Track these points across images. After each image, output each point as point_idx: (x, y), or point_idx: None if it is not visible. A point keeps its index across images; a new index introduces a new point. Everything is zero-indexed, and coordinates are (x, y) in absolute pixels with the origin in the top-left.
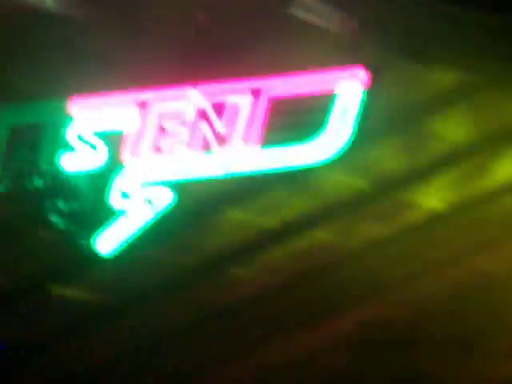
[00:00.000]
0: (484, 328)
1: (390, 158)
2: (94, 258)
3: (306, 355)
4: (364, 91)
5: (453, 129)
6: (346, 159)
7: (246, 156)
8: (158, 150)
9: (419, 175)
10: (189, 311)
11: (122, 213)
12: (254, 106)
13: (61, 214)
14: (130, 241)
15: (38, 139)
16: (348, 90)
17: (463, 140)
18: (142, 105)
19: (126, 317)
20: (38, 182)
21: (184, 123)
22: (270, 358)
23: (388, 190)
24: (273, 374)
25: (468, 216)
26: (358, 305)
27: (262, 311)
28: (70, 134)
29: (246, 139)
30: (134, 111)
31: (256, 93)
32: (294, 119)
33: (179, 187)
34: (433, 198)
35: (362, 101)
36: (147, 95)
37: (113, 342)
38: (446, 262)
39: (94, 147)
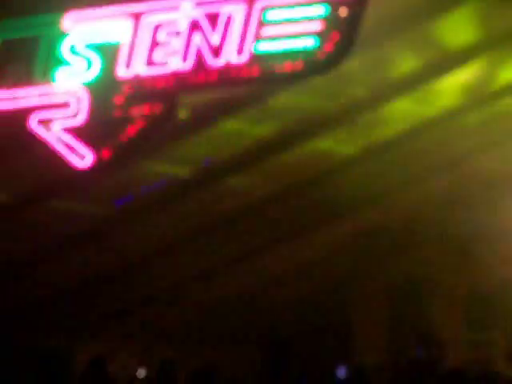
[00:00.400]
0: (481, 232)
1: (391, 63)
2: (90, 171)
3: (305, 263)
4: None
5: (456, 31)
6: (343, 67)
7: (239, 66)
8: (151, 61)
9: (418, 81)
10: (186, 222)
11: None
12: (248, 15)
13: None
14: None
15: (33, 53)
16: None
17: (467, 42)
18: (136, 17)
19: (125, 228)
20: None
21: (177, 35)
22: (269, 267)
23: (387, 96)
24: (273, 281)
25: (467, 120)
26: (354, 212)
27: (259, 221)
28: (65, 48)
29: (240, 49)
30: (128, 23)
31: (250, 1)
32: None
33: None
34: (429, 105)
35: (361, 5)
36: (140, 7)
37: (117, 251)
38: (443, 167)
39: (88, 60)
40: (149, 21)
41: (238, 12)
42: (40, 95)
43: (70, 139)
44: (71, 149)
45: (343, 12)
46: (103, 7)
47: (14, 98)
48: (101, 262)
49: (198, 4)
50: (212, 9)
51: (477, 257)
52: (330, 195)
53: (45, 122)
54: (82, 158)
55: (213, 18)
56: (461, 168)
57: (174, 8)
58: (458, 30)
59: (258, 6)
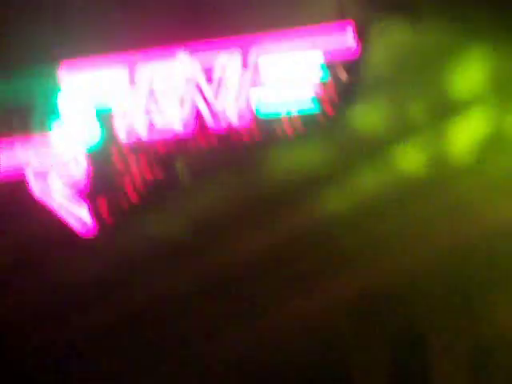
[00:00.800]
0: (483, 283)
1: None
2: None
3: (305, 318)
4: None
5: (464, 77)
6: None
7: (241, 130)
8: (148, 112)
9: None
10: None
11: None
12: (244, 64)
13: None
14: None
15: (29, 107)
16: (338, 45)
17: (474, 90)
18: (132, 67)
19: None
20: None
21: (175, 85)
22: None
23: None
24: (272, 340)
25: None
26: (356, 265)
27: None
28: (61, 101)
29: (237, 99)
30: (124, 73)
31: (245, 50)
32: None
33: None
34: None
35: (359, 67)
36: (137, 57)
37: None
38: (446, 219)
39: (85, 118)
40: (145, 71)
41: (233, 61)
42: (37, 150)
43: (68, 202)
44: (71, 213)
45: (342, 74)
46: (99, 58)
47: (11, 153)
48: None
49: (195, 54)
50: (208, 59)
51: (479, 308)
52: (331, 249)
53: (43, 181)
54: (84, 223)
55: (209, 69)
56: (462, 221)
57: (171, 58)
58: (465, 76)
59: (253, 54)
